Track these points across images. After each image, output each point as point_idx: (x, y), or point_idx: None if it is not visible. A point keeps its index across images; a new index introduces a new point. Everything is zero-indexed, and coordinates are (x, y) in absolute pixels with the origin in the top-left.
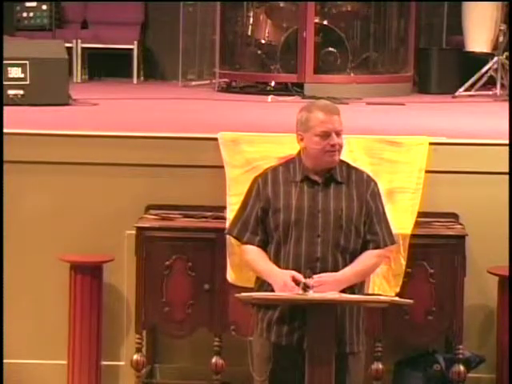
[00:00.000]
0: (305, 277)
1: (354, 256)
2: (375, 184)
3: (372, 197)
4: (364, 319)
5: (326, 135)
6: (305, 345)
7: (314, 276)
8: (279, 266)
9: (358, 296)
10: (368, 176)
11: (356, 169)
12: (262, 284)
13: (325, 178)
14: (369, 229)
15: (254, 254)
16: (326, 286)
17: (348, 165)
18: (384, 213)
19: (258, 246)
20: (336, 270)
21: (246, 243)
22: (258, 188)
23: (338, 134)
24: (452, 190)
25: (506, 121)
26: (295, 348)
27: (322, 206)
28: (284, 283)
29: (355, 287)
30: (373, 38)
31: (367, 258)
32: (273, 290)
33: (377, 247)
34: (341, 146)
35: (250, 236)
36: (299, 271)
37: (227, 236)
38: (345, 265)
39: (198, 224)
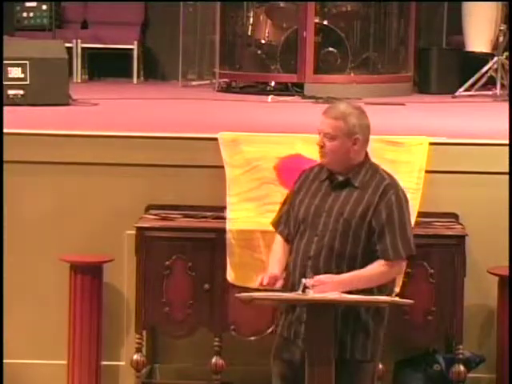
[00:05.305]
0: (305, 277)
1: (354, 261)
2: (394, 193)
3: (387, 206)
4: (378, 328)
5: (319, 134)
6: (299, 341)
7: (315, 277)
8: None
9: (358, 296)
10: (388, 184)
11: (381, 175)
12: None
13: (340, 180)
14: (378, 238)
15: (275, 245)
16: (326, 287)
17: (376, 169)
18: (402, 223)
19: (286, 239)
20: (328, 272)
21: (279, 234)
22: (296, 183)
23: (328, 137)
24: (452, 189)
25: (506, 121)
26: (292, 341)
27: (328, 207)
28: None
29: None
30: (373, 38)
31: (374, 265)
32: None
33: (385, 258)
34: (330, 150)
35: (283, 228)
36: (295, 268)
37: (227, 236)
38: (341, 269)
39: (198, 224)
